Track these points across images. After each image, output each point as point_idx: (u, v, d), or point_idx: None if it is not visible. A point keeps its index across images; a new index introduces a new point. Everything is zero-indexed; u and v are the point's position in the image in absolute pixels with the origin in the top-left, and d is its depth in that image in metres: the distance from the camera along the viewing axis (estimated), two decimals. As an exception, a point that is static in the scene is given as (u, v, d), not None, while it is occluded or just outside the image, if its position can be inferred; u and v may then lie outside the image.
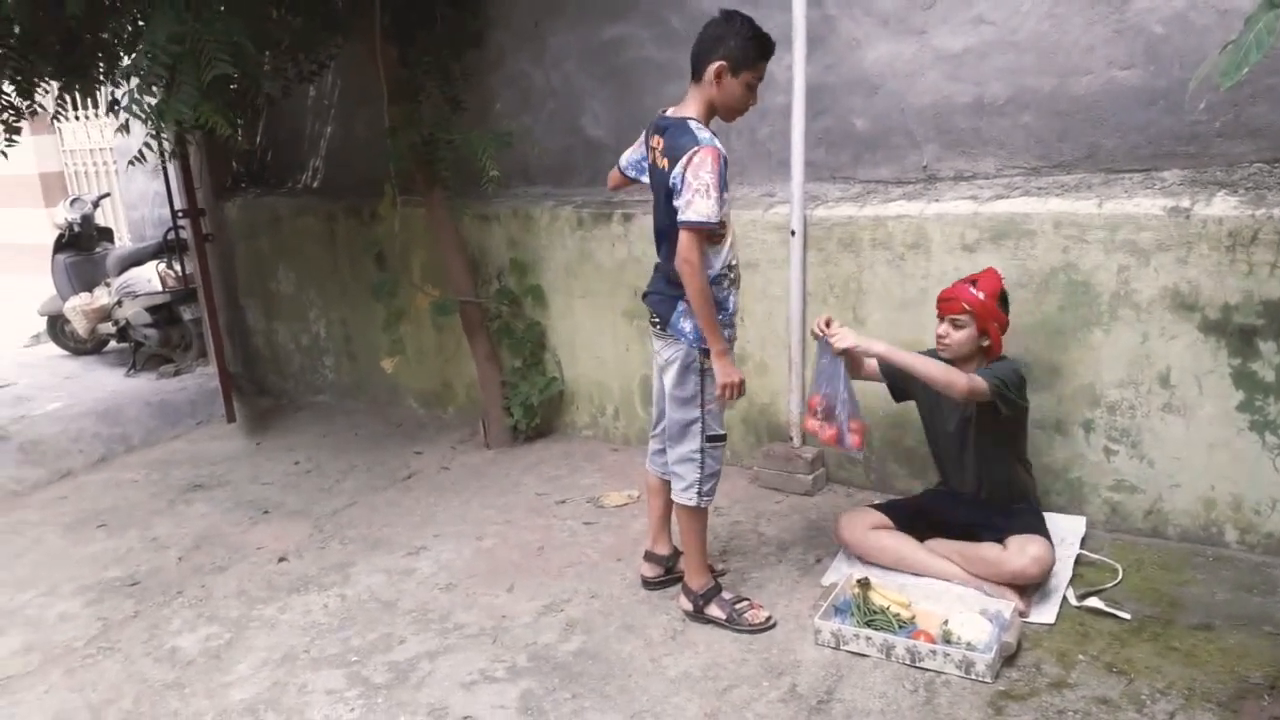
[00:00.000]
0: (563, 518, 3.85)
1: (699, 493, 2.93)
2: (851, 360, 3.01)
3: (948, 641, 2.67)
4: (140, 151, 4.30)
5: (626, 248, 4.27)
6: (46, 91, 4.75)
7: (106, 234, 7.41)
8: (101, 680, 2.98)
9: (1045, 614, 2.85)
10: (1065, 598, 2.92)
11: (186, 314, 6.35)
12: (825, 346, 2.97)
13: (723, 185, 2.66)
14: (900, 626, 2.78)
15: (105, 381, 6.44)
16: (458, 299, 4.61)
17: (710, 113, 2.78)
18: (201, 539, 3.97)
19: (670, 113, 2.81)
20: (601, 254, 4.39)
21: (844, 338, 2.88)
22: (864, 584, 2.90)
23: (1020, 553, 2.87)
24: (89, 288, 6.87)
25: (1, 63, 4.26)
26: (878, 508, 3.29)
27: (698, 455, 2.91)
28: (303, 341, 5.85)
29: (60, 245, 7.03)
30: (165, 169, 5.29)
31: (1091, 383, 3.26)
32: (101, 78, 4.63)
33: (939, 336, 3.03)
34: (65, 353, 7.29)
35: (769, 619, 2.94)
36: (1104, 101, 3.33)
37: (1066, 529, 3.25)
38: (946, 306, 3.00)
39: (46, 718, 2.83)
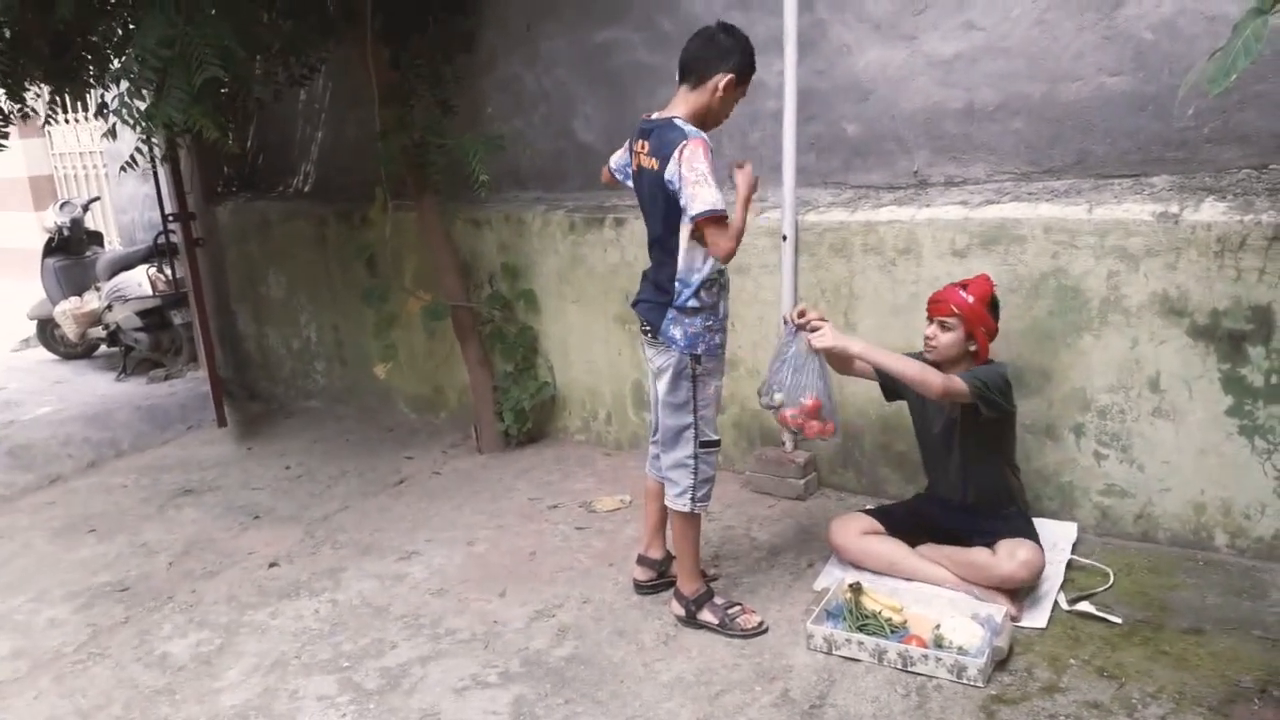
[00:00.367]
0: (555, 523, 3.85)
1: (693, 498, 2.93)
2: (839, 357, 2.99)
3: (940, 646, 2.67)
4: (131, 157, 4.29)
5: (619, 252, 4.27)
6: (36, 95, 4.73)
7: (96, 238, 7.39)
8: (91, 686, 2.97)
9: (1037, 618, 2.86)
10: (1056, 602, 2.93)
11: (177, 318, 6.33)
12: (794, 337, 2.94)
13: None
14: (892, 631, 2.78)
15: (95, 386, 6.42)
16: (449, 304, 4.60)
17: (699, 118, 2.79)
18: (192, 544, 3.95)
19: (655, 116, 2.83)
20: (594, 258, 4.39)
21: (824, 337, 2.86)
22: (856, 589, 2.91)
23: (1010, 557, 2.88)
24: (79, 292, 6.85)
25: (-9, 66, 4.24)
26: (869, 513, 3.29)
27: (691, 461, 2.92)
28: (294, 346, 5.84)
29: (50, 249, 7.01)
30: (155, 173, 5.27)
31: (1082, 387, 3.27)
32: (91, 81, 4.61)
33: (926, 337, 3.04)
34: (55, 357, 7.27)
35: (761, 624, 2.94)
36: (1094, 107, 3.34)
37: (1058, 534, 3.26)
38: (936, 308, 3.01)
39: (35, 725, 2.82)
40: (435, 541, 3.77)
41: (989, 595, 2.91)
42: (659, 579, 3.20)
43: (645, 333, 2.91)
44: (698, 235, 2.73)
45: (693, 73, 2.77)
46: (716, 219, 2.65)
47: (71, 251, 7.01)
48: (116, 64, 4.29)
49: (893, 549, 3.13)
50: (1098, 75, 3.31)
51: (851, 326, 3.66)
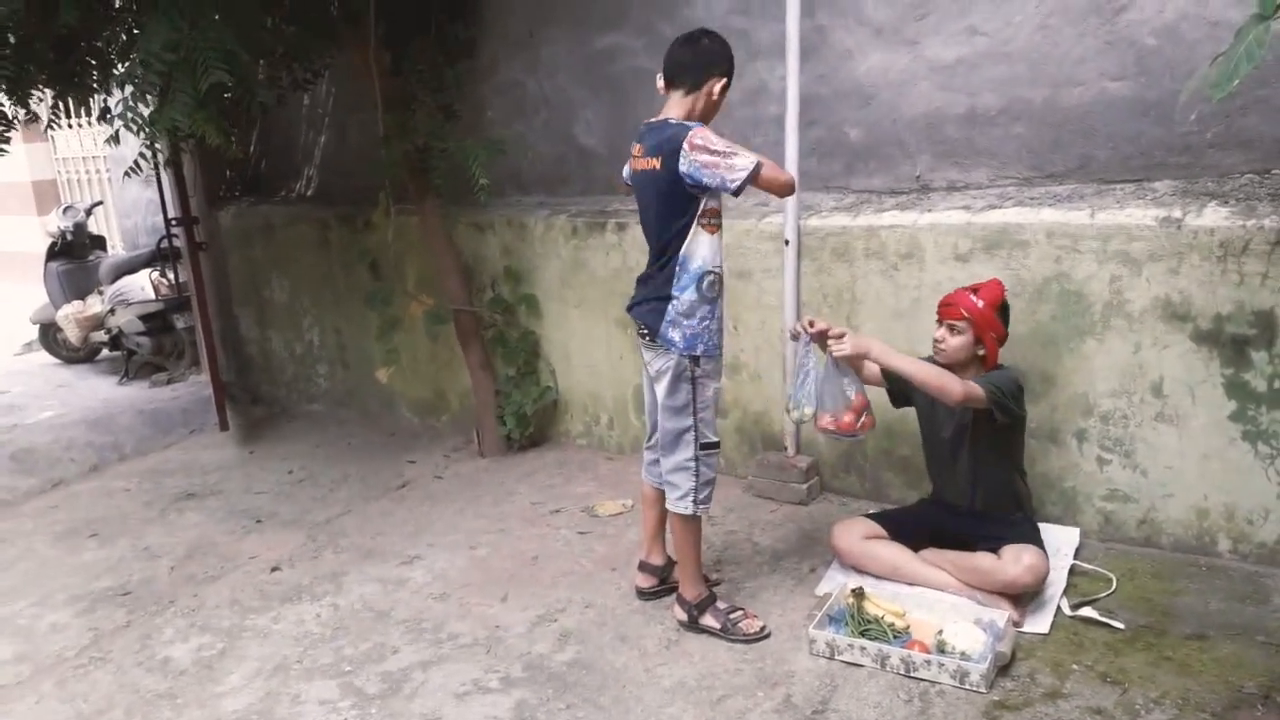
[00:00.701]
0: (557, 527, 3.84)
1: (694, 501, 2.93)
2: (854, 361, 3.00)
3: (942, 651, 2.67)
4: (136, 162, 4.29)
5: (621, 256, 4.27)
6: (40, 99, 4.74)
7: (99, 242, 7.41)
8: (93, 691, 2.97)
9: (1039, 623, 2.86)
10: (1059, 607, 2.93)
11: (179, 322, 6.34)
12: (810, 348, 2.95)
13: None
14: (895, 636, 2.77)
15: (98, 390, 6.43)
16: (452, 308, 4.61)
17: (692, 120, 2.81)
18: (194, 548, 3.95)
19: (650, 120, 2.87)
20: (595, 263, 4.39)
21: (844, 346, 2.86)
22: (858, 594, 2.90)
23: (1015, 562, 2.87)
24: (81, 296, 6.86)
25: (-5, 71, 4.25)
26: (872, 517, 3.29)
27: (692, 464, 2.92)
28: (296, 350, 5.84)
29: (53, 253, 7.03)
30: (159, 177, 5.28)
31: (1085, 392, 3.27)
32: (95, 86, 4.62)
33: (936, 340, 3.04)
34: (57, 361, 7.28)
35: (764, 629, 2.93)
36: (1096, 112, 3.35)
37: (1061, 539, 3.26)
38: (946, 311, 3.01)
39: (37, 729, 2.82)
40: (437, 546, 3.77)
41: (992, 600, 2.90)
42: (661, 585, 3.20)
43: (643, 336, 2.91)
44: (713, 218, 2.80)
45: (685, 79, 2.82)
46: (761, 175, 2.70)
47: (74, 256, 7.03)
48: (120, 69, 4.30)
49: (895, 554, 3.13)
50: (1100, 80, 3.31)
51: (853, 331, 3.64)
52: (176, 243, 5.78)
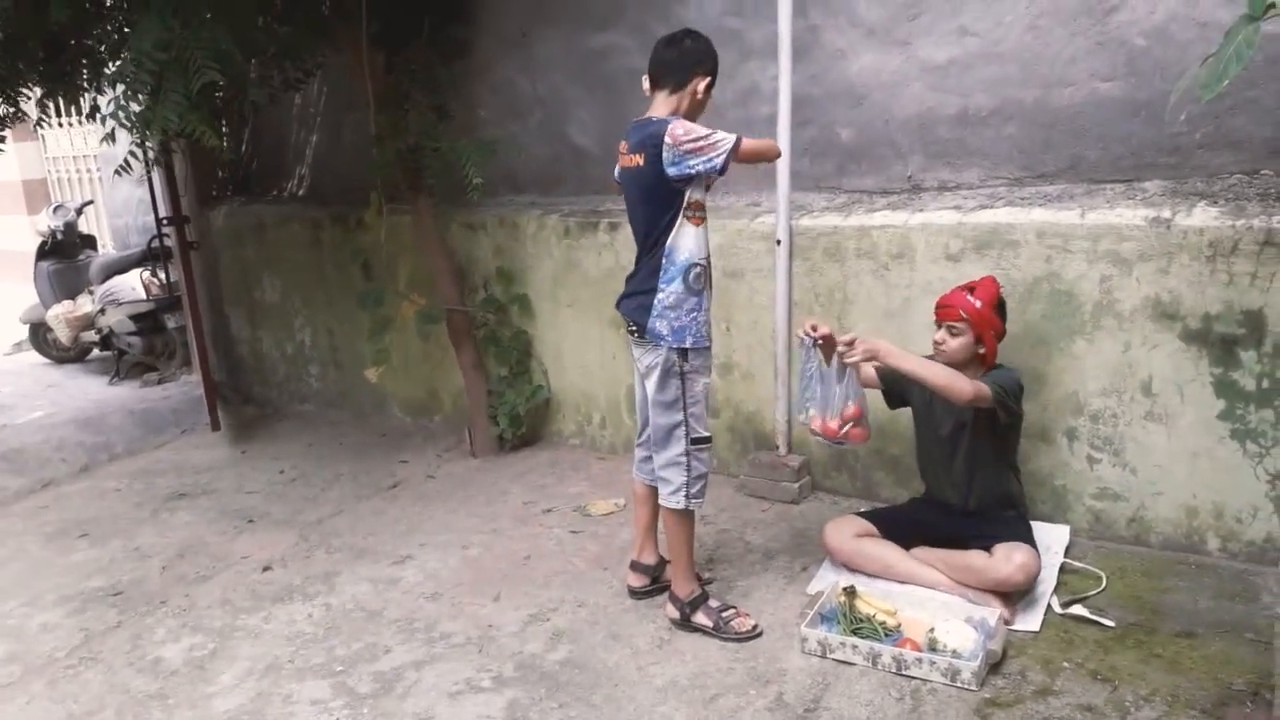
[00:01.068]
0: (549, 526, 3.85)
1: (686, 495, 2.94)
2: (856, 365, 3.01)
3: (933, 649, 2.68)
4: (126, 160, 4.28)
5: (613, 256, 4.28)
6: (29, 98, 4.72)
7: (90, 241, 7.38)
8: (84, 691, 2.96)
9: (1030, 621, 2.87)
10: (1050, 605, 2.94)
11: (170, 322, 6.32)
12: (813, 353, 2.97)
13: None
14: (886, 634, 2.78)
15: (88, 390, 6.40)
16: (444, 307, 4.61)
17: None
18: (185, 548, 3.94)
19: (635, 120, 2.89)
20: (588, 263, 4.39)
21: (854, 355, 2.86)
22: (850, 592, 2.91)
23: (1006, 560, 2.89)
24: (72, 295, 6.84)
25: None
26: (864, 515, 3.30)
27: (683, 459, 2.92)
28: (288, 350, 5.83)
29: (43, 253, 6.99)
30: (150, 176, 5.27)
31: (1075, 391, 3.28)
32: (86, 85, 4.61)
33: (936, 342, 3.05)
34: (48, 361, 7.25)
35: (755, 627, 2.94)
36: (1086, 113, 3.36)
37: (1051, 537, 3.27)
38: (944, 313, 3.02)
39: (27, 729, 2.81)
40: (429, 545, 3.77)
41: (983, 598, 2.91)
42: (653, 584, 3.20)
43: (632, 333, 2.93)
44: (697, 211, 2.82)
45: (669, 79, 2.84)
46: (741, 147, 2.73)
47: (65, 255, 7.00)
48: (112, 67, 4.28)
49: (887, 552, 3.14)
50: (1090, 81, 3.33)
51: (845, 331, 3.63)
52: (168, 242, 5.78)
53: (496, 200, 4.77)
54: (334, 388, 5.67)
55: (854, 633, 2.78)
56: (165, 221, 5.38)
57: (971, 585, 2.95)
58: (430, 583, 3.46)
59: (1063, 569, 3.13)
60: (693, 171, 2.73)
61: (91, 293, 6.66)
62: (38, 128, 5.14)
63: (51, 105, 4.78)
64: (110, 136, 3.89)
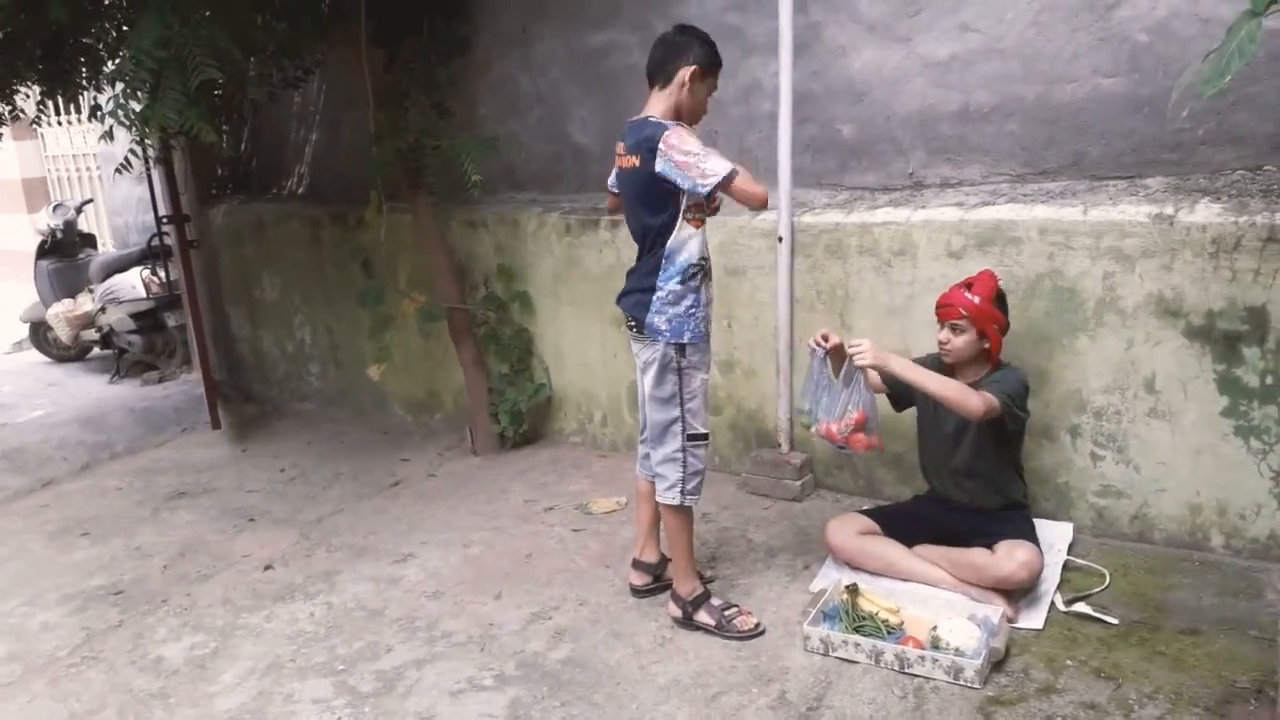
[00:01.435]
0: (550, 525, 3.84)
1: (682, 490, 2.93)
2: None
3: (936, 647, 2.67)
4: (126, 159, 4.27)
5: (614, 254, 4.27)
6: (28, 96, 4.71)
7: (90, 240, 7.38)
8: (85, 690, 2.95)
9: (1033, 619, 2.86)
10: (1053, 603, 2.93)
11: (171, 320, 6.31)
12: (823, 360, 2.96)
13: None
14: (889, 632, 2.77)
15: (89, 388, 6.40)
16: (444, 305, 4.60)
17: (674, 116, 2.82)
18: (186, 547, 3.93)
19: (632, 120, 2.87)
20: (589, 260, 4.38)
21: (864, 356, 2.85)
22: (852, 590, 2.90)
23: (1009, 557, 2.88)
24: (72, 294, 6.83)
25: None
26: (866, 513, 3.29)
27: (680, 455, 2.92)
28: (288, 348, 5.82)
29: (43, 251, 6.99)
30: (149, 175, 5.26)
31: (1078, 388, 3.27)
32: (85, 83, 4.60)
33: (940, 342, 3.04)
34: (48, 360, 7.25)
35: (758, 625, 2.93)
36: (1089, 109, 3.35)
37: (1054, 535, 3.26)
38: (945, 312, 3.02)
39: (29, 729, 2.80)
40: (431, 544, 3.76)
41: (986, 596, 2.91)
42: (655, 583, 3.20)
43: (630, 328, 2.92)
44: (697, 213, 2.81)
45: (660, 74, 2.84)
46: (733, 183, 2.70)
47: (65, 254, 7.00)
48: (111, 65, 4.28)
49: (889, 550, 3.13)
50: (1093, 77, 3.32)
51: (847, 328, 3.66)
52: (167, 240, 5.77)
53: (497, 198, 4.77)
54: (334, 386, 5.66)
55: (857, 631, 2.77)
56: (165, 220, 5.38)
57: (974, 583, 2.95)
58: (432, 581, 3.46)
59: (1066, 566, 3.13)
60: (676, 183, 2.71)
61: (91, 291, 6.65)
62: (35, 125, 5.13)
63: (51, 104, 4.77)
64: (109, 134, 3.89)
